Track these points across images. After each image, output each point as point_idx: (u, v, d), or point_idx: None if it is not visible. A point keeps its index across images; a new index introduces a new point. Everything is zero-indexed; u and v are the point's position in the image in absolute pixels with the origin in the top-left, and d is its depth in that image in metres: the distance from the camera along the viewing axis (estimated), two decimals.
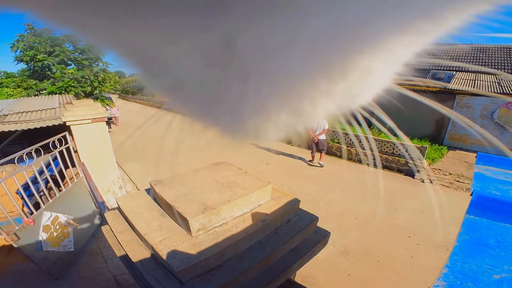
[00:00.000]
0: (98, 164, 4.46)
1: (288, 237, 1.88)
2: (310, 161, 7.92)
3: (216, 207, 1.70)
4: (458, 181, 6.54)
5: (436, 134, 9.08)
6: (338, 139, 8.66)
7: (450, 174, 6.92)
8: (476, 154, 2.35)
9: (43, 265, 3.05)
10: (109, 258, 3.58)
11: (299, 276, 3.39)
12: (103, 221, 1.85)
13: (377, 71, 0.26)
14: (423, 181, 6.83)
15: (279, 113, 0.29)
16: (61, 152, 3.74)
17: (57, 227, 3.33)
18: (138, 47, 0.26)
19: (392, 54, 0.25)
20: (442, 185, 6.56)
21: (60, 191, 3.62)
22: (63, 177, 3.76)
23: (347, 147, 8.40)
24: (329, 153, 8.89)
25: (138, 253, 1.64)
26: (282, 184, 6.34)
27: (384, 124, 0.37)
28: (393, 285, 3.42)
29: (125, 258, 1.71)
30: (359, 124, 0.37)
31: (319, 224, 2.16)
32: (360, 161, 8.30)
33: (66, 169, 3.81)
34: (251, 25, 0.21)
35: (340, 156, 8.67)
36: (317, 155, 7.71)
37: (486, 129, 8.35)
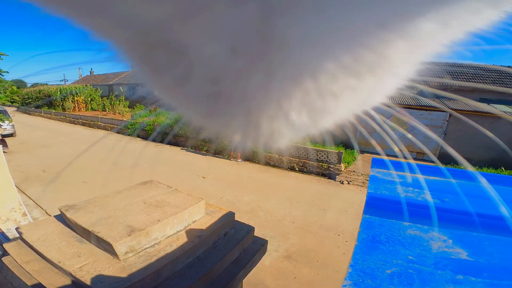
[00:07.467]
0: None
1: (227, 250, 1.89)
2: (235, 159, 9.85)
3: (144, 228, 1.60)
4: (368, 180, 7.72)
5: (348, 140, 10.56)
6: (270, 149, 9.15)
7: (362, 174, 8.10)
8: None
9: None
10: (22, 287, 2.97)
11: (250, 285, 3.44)
12: (5, 252, 1.61)
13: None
14: (342, 183, 7.79)
15: (300, 113, 0.24)
16: None
17: None
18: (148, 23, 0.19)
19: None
20: (357, 185, 7.62)
21: None
22: None
23: (278, 155, 8.95)
24: (263, 162, 9.32)
25: (54, 281, 1.44)
26: (221, 197, 6.30)
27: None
28: (335, 282, 3.72)
29: (39, 287, 1.48)
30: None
31: (260, 233, 2.23)
32: (290, 168, 8.94)
33: None
34: (296, 5, 0.17)
35: (273, 165, 9.17)
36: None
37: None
